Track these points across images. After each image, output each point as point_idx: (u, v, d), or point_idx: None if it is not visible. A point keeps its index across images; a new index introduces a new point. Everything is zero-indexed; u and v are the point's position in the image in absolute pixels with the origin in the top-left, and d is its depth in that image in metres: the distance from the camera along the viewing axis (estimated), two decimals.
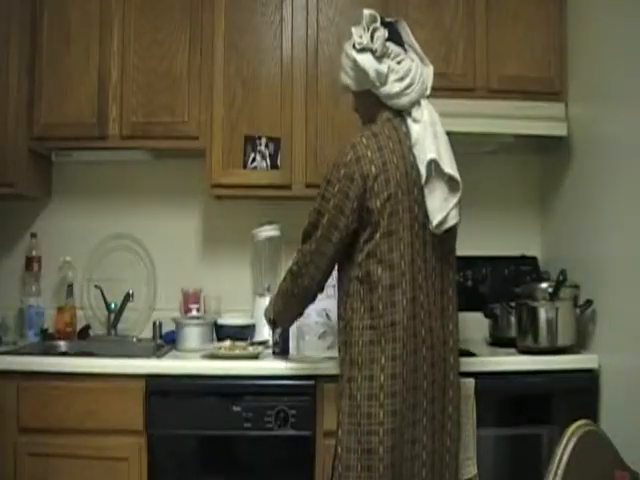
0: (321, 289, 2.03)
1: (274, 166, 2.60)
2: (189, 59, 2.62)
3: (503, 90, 2.62)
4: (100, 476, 2.23)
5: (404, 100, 1.92)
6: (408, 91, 1.92)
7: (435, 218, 1.86)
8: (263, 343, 2.51)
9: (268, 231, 2.73)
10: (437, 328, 1.89)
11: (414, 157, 1.89)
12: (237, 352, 2.36)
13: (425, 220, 1.88)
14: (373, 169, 1.83)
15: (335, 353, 2.32)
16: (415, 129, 1.91)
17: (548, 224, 2.90)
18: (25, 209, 2.90)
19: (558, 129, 2.59)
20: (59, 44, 2.62)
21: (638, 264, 2.13)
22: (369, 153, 1.85)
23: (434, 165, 1.87)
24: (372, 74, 1.89)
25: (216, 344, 2.47)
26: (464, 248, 2.82)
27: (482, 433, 2.19)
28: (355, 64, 1.91)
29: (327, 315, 2.35)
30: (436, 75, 2.60)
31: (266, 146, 2.60)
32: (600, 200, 2.39)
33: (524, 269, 2.81)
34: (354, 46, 1.91)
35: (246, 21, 2.63)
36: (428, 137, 1.89)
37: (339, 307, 1.96)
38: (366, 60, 1.89)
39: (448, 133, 2.58)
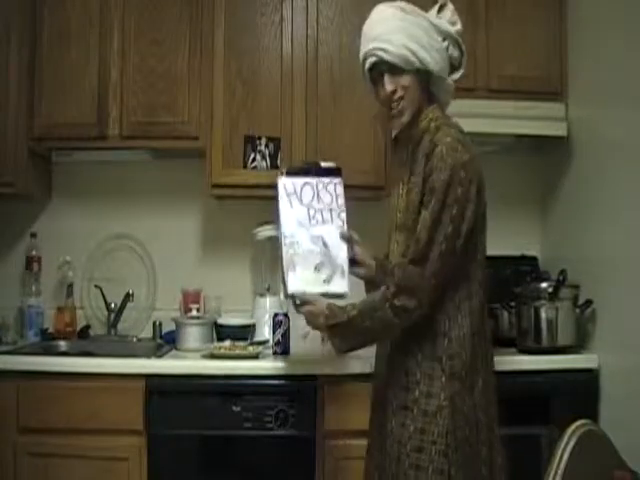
0: None
1: (274, 166, 2.60)
2: (189, 59, 2.62)
3: (503, 90, 2.62)
4: (100, 476, 2.23)
5: (452, 96, 1.87)
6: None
7: None
8: (263, 343, 2.51)
9: (268, 231, 2.73)
10: None
11: None
12: (237, 352, 2.36)
13: None
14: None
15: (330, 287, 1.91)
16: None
17: (548, 224, 2.90)
18: (25, 209, 2.90)
19: (558, 129, 2.60)
20: (59, 44, 2.62)
21: (638, 264, 2.13)
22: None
23: None
24: (464, 57, 1.82)
25: (216, 344, 2.47)
26: None
27: None
28: (453, 44, 1.80)
29: (324, 243, 1.90)
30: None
31: (266, 146, 2.60)
32: (600, 200, 2.39)
33: (524, 269, 2.80)
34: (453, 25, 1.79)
35: (246, 21, 2.63)
36: None
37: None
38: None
39: None
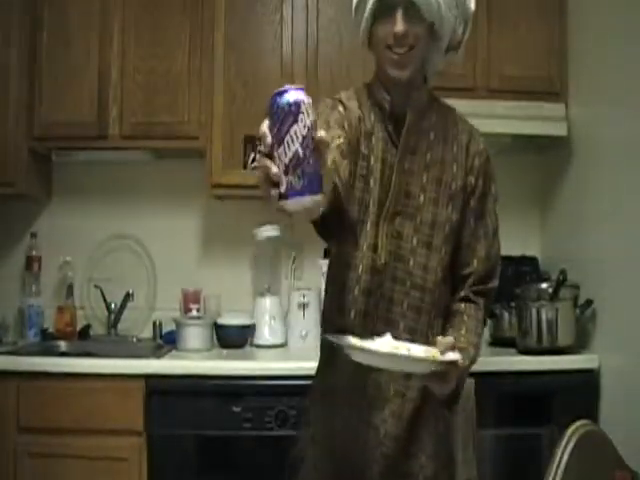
0: None
1: None
2: (189, 59, 2.62)
3: (503, 90, 2.62)
4: (100, 476, 2.23)
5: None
6: None
7: None
8: None
9: (268, 231, 2.73)
10: None
11: None
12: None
13: None
14: None
15: None
16: None
17: (548, 224, 2.90)
18: (25, 209, 2.90)
19: (558, 129, 2.59)
20: (59, 44, 2.62)
21: (638, 264, 2.13)
22: None
23: None
24: (466, 36, 1.60)
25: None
26: None
27: (482, 433, 2.19)
28: (463, 20, 1.55)
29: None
30: (436, 74, 2.61)
31: None
32: (600, 200, 2.39)
33: (524, 269, 2.81)
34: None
35: (246, 21, 2.63)
36: None
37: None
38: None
39: None
